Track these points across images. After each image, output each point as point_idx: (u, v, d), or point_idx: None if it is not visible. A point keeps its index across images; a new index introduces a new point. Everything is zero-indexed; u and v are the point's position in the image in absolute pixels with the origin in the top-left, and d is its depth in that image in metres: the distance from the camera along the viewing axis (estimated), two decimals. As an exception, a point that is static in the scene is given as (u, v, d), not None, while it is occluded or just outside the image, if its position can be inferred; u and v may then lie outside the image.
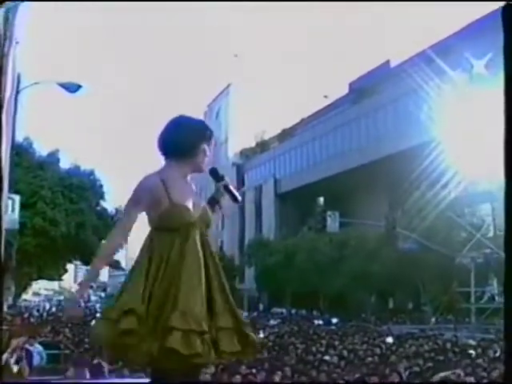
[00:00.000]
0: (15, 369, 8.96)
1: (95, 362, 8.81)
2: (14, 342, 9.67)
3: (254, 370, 8.09)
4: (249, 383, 7.13)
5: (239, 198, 3.12)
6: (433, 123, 34.15)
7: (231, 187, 3.07)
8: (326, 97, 63.64)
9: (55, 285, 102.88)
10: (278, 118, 62.85)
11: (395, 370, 8.28)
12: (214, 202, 3.15)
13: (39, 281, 57.08)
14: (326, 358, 10.93)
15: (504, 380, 2.26)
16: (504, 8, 2.52)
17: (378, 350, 12.61)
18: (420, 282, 34.30)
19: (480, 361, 10.29)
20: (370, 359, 10.68)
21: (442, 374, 7.76)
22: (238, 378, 7.30)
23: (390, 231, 30.55)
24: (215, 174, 3.07)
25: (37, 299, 71.65)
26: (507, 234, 2.53)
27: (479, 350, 12.63)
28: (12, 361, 9.32)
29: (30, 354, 9.97)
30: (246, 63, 69.51)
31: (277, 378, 7.84)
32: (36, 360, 11.40)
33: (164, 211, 2.78)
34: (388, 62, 49.34)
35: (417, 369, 9.26)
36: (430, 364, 10.01)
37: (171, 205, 2.80)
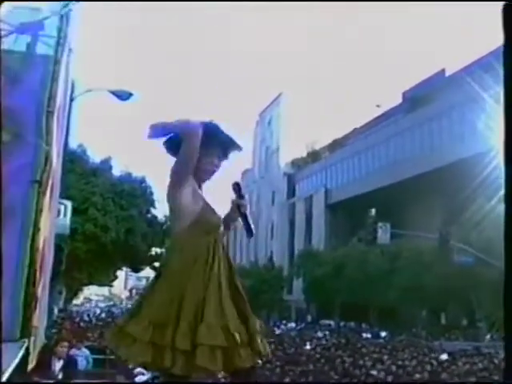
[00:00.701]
0: (60, 375, 8.95)
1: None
2: (60, 349, 9.70)
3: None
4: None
5: (253, 230, 2.80)
6: (490, 133, 33.08)
7: (248, 215, 2.77)
8: (378, 106, 62.81)
9: (106, 291, 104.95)
10: (330, 127, 62.39)
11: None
12: (229, 222, 2.84)
13: (90, 286, 58.20)
14: (373, 372, 10.52)
15: (504, 379, 2.07)
16: (504, 8, 2.39)
17: (428, 367, 12.09)
18: (475, 297, 33.15)
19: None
20: (419, 376, 10.21)
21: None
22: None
23: (444, 244, 29.60)
24: (239, 189, 2.77)
25: (88, 305, 73.23)
26: (507, 233, 2.34)
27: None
28: (57, 367, 9.33)
29: (74, 361, 9.98)
30: (299, 72, 69.46)
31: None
32: (82, 364, 11.45)
33: (201, 210, 2.64)
34: (443, 70, 48.34)
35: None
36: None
37: (205, 204, 2.68)
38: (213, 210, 2.69)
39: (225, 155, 2.78)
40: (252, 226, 2.77)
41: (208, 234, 2.63)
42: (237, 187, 2.74)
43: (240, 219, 2.78)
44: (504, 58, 2.44)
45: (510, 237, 2.33)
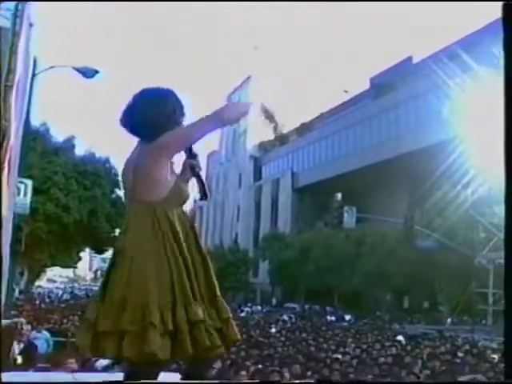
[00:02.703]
0: (19, 359, 8.72)
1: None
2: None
3: (261, 366, 7.74)
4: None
5: (208, 193, 2.64)
6: (456, 120, 33.45)
7: (202, 176, 2.63)
8: (346, 91, 63.02)
9: (70, 272, 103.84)
10: (298, 111, 62.36)
11: (412, 371, 7.85)
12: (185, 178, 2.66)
13: (54, 268, 57.36)
14: (338, 356, 10.54)
15: (505, 379, 2.03)
16: (504, 7, 2.36)
17: (393, 350, 12.18)
18: (437, 282, 33.75)
19: (502, 365, 9.79)
20: (383, 359, 10.25)
21: (462, 379, 7.30)
22: (243, 374, 6.93)
23: (408, 229, 30.00)
24: (189, 148, 2.60)
25: (51, 286, 72.27)
26: (507, 233, 2.32)
27: (500, 354, 12.11)
28: (16, 351, 9.09)
29: (34, 346, 9.75)
30: (267, 55, 69.11)
31: (286, 375, 7.45)
32: (43, 348, 11.19)
33: (177, 181, 2.50)
34: (410, 57, 48.66)
35: (432, 371, 8.81)
36: (447, 366, 9.57)
37: (178, 176, 2.56)
38: (186, 182, 2.59)
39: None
40: (207, 188, 2.63)
41: (180, 206, 2.52)
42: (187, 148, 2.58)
43: (195, 181, 2.63)
44: (504, 57, 2.42)
45: (510, 235, 2.29)
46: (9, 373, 3.75)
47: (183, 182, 2.56)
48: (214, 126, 2.46)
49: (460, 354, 11.98)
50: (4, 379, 2.43)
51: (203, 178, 2.63)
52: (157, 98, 2.52)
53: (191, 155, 2.60)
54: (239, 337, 2.53)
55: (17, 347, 9.10)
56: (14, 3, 5.40)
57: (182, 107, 2.58)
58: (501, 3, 2.49)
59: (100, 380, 3.51)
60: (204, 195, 2.62)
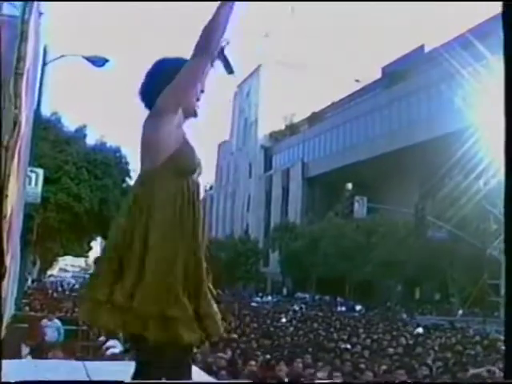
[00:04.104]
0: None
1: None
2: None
3: (270, 356, 7.72)
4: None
5: (234, 67, 2.41)
6: (469, 110, 33.14)
7: (227, 55, 2.43)
8: (357, 81, 62.61)
9: (82, 262, 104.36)
10: (309, 100, 62.10)
11: (424, 362, 7.79)
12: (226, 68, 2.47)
13: (66, 257, 57.63)
14: (348, 346, 10.51)
15: (505, 378, 1.99)
16: (504, 7, 2.31)
17: (403, 341, 12.13)
18: (449, 273, 33.57)
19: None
20: (393, 350, 10.21)
21: (475, 371, 7.23)
22: (252, 363, 6.91)
23: (420, 219, 29.79)
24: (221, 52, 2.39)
25: (63, 275, 72.78)
26: (507, 233, 2.27)
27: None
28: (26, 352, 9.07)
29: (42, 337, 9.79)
30: (278, 44, 68.76)
31: (297, 365, 7.43)
32: (54, 336, 11.26)
33: (180, 147, 2.29)
34: (422, 46, 48.19)
35: (444, 362, 8.76)
36: (459, 358, 9.52)
37: (186, 141, 2.34)
38: (192, 149, 2.34)
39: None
40: (232, 64, 2.43)
41: (180, 177, 2.28)
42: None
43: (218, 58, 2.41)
44: (504, 57, 2.37)
45: (510, 233, 2.24)
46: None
47: (190, 148, 2.35)
48: (200, 61, 2.24)
49: (471, 346, 11.91)
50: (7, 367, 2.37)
51: (226, 56, 2.42)
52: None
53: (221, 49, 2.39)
54: (219, 332, 2.37)
55: (26, 349, 9.02)
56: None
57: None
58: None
59: (112, 369, 3.50)
60: (230, 69, 2.44)
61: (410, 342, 12.34)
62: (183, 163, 2.29)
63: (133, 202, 2.28)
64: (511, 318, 2.20)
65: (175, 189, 2.25)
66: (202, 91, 2.43)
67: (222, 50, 2.39)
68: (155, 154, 2.26)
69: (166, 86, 2.26)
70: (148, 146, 2.29)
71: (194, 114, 2.42)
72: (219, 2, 2.21)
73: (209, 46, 2.22)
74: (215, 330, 2.32)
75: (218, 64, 2.40)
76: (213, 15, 2.20)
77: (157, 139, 2.25)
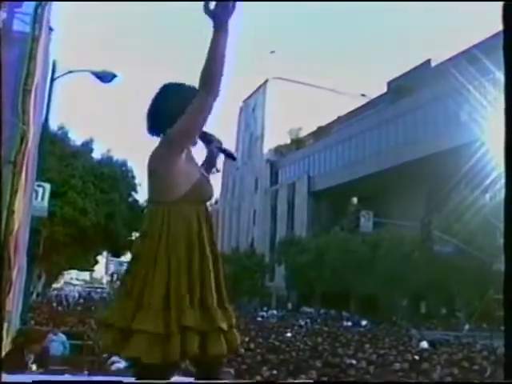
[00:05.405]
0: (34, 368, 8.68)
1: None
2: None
3: (275, 372, 7.70)
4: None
5: (235, 154, 2.77)
6: (475, 124, 33.15)
7: (224, 146, 2.67)
8: (363, 95, 62.85)
9: (87, 276, 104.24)
10: (314, 115, 62.28)
11: (430, 379, 7.75)
12: (211, 167, 2.70)
13: (71, 271, 57.54)
14: (353, 362, 10.46)
15: (505, 379, 2.00)
16: (504, 7, 2.33)
17: (409, 356, 12.07)
18: (455, 287, 33.36)
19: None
20: (399, 365, 10.15)
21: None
22: (258, 379, 6.89)
23: (426, 233, 29.68)
24: (204, 136, 2.54)
25: (67, 289, 72.77)
26: (507, 232, 2.27)
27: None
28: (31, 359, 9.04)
29: (47, 348, 9.73)
30: (284, 59, 69.18)
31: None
32: (59, 350, 11.23)
33: (199, 178, 2.41)
34: (429, 61, 48.38)
35: (450, 378, 8.71)
36: (465, 374, 9.46)
37: (201, 172, 2.48)
38: (208, 180, 2.51)
39: None
40: (232, 152, 2.73)
41: (201, 204, 2.42)
42: (202, 134, 2.50)
43: (221, 155, 2.68)
44: (504, 57, 2.37)
45: (510, 235, 2.24)
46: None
47: (204, 178, 2.47)
48: (206, 102, 2.25)
49: (478, 361, 11.83)
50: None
51: (226, 148, 2.67)
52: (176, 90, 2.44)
53: (208, 140, 2.59)
54: (237, 345, 2.44)
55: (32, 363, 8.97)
56: (33, 7, 5.42)
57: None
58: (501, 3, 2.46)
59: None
60: (232, 157, 2.75)
61: (416, 357, 12.28)
62: (203, 194, 2.43)
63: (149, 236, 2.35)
64: (511, 318, 2.20)
65: (194, 215, 2.37)
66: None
67: (220, 148, 2.64)
68: (175, 186, 2.34)
69: (171, 113, 2.32)
70: (159, 178, 2.35)
71: (195, 144, 2.51)
72: (211, 33, 2.18)
73: (212, 86, 2.22)
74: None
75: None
76: (208, 52, 2.18)
77: (176, 172, 2.33)
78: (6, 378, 2.35)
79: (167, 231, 2.31)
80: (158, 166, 2.34)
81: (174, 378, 2.50)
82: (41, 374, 6.42)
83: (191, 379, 2.62)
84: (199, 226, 2.37)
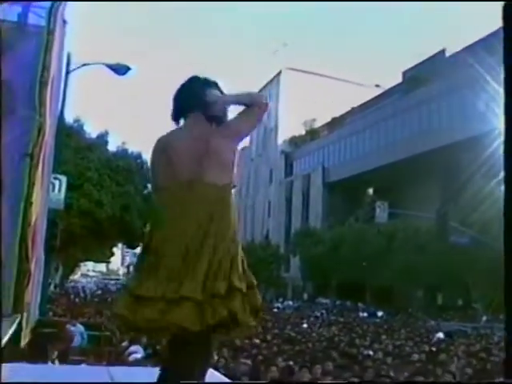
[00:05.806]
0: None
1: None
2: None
3: (291, 362, 7.71)
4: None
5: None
6: (491, 114, 32.81)
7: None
8: (377, 86, 62.43)
9: (103, 267, 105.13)
10: (329, 106, 62.01)
11: (448, 370, 7.71)
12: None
13: (87, 263, 57.94)
14: (370, 352, 10.44)
15: (505, 379, 1.98)
16: (504, 7, 2.30)
17: (425, 347, 12.03)
18: (471, 278, 33.18)
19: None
20: (417, 356, 10.12)
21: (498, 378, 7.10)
22: (273, 369, 6.90)
23: (442, 224, 29.49)
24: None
25: (84, 280, 73.48)
26: (507, 232, 2.24)
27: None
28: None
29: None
30: (298, 50, 68.86)
31: (317, 372, 7.38)
32: (77, 341, 11.36)
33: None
34: (443, 50, 47.90)
35: (469, 370, 8.65)
36: (483, 365, 9.40)
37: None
38: None
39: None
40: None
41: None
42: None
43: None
44: (504, 57, 2.35)
45: (510, 229, 2.21)
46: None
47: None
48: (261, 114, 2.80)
49: (495, 352, 11.76)
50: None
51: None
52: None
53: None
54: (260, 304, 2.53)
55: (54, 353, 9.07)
56: (49, 2, 5.46)
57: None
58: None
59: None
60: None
61: (433, 348, 12.23)
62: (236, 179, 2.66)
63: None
64: (511, 316, 2.19)
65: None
66: None
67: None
68: (231, 172, 2.57)
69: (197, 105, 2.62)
70: (227, 163, 2.56)
71: None
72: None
73: (266, 109, 2.85)
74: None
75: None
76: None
77: (234, 160, 2.59)
78: (26, 366, 2.37)
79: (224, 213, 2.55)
80: (225, 150, 2.55)
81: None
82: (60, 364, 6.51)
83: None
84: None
